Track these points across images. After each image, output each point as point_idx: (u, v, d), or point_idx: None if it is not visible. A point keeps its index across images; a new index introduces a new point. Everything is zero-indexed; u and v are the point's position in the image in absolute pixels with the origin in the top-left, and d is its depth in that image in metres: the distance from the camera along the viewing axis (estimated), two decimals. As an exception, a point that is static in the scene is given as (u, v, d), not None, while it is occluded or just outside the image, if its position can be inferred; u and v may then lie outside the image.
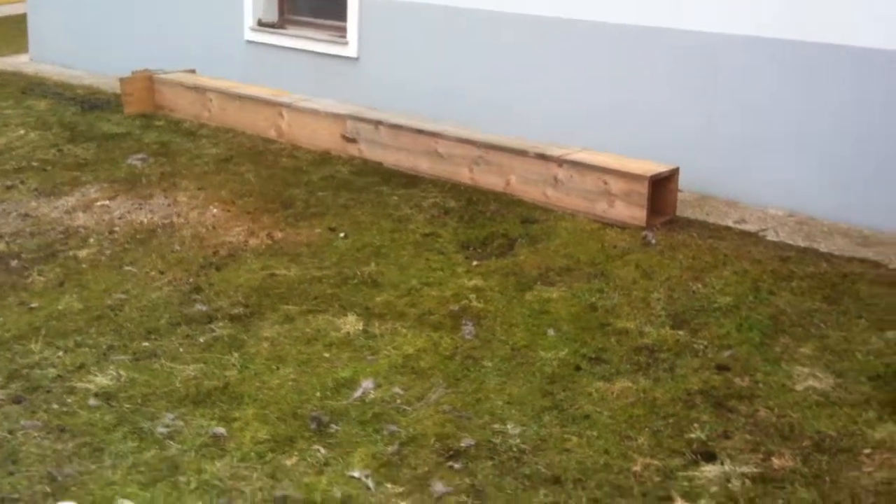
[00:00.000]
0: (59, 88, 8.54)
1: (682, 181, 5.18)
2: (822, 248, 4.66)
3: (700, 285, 4.26)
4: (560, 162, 5.25)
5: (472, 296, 4.20)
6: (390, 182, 5.80)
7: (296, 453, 3.06)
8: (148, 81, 7.50)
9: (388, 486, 2.91)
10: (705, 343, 3.75)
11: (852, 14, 4.96)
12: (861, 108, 4.99)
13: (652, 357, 3.66)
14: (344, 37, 7.45)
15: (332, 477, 2.94)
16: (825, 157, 5.13)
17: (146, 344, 3.79)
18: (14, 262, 4.63)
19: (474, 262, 4.60)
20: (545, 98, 6.26)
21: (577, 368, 3.58)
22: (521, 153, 5.43)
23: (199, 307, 4.13)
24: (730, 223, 5.08)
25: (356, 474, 2.95)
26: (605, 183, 5.05)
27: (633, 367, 3.58)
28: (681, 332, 3.84)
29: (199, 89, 7.22)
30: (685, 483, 2.91)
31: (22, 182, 5.81)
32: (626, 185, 4.97)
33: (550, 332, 3.86)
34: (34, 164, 6.20)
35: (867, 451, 3.03)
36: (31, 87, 8.59)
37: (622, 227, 4.96)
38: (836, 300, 4.08)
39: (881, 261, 4.47)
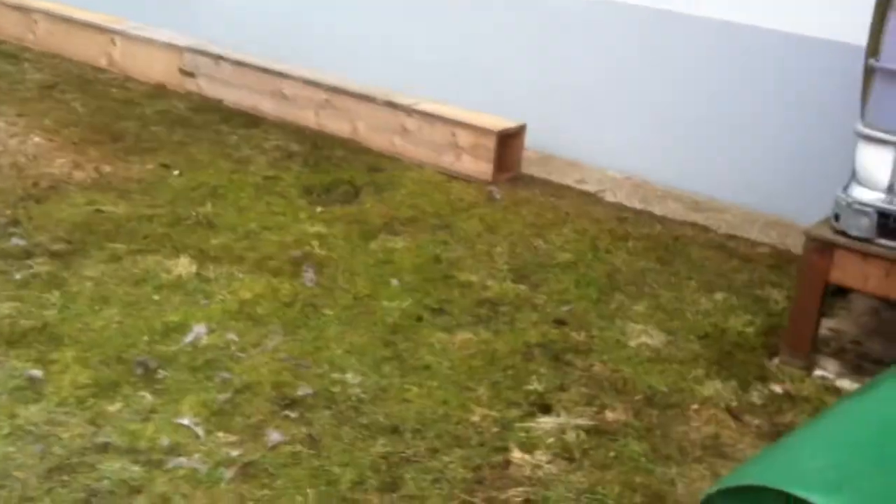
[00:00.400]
0: None
1: (530, 140, 5.21)
2: (657, 210, 4.80)
3: (542, 241, 4.31)
4: (409, 111, 5.17)
5: (315, 242, 4.08)
6: (231, 121, 5.54)
7: (119, 399, 2.87)
8: (-38, -5, 6.84)
9: (220, 434, 2.79)
10: (545, 298, 3.79)
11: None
12: (696, 75, 5.15)
13: (493, 310, 3.66)
14: (184, -36, 7.03)
15: (158, 424, 2.79)
16: (660, 122, 5.27)
17: (-47, 279, 3.47)
18: None
19: (318, 209, 4.46)
20: (393, 46, 6.12)
21: (419, 319, 3.53)
22: (370, 99, 5.30)
23: (15, 241, 3.81)
24: (571, 183, 5.15)
25: (185, 422, 2.81)
26: (454, 135, 5.01)
27: (474, 320, 3.57)
28: (522, 287, 3.86)
29: (23, 9, 6.64)
30: (522, 434, 2.93)
31: None
32: (475, 139, 4.95)
33: (394, 282, 3.80)
34: None
35: (695, 406, 3.15)
36: None
37: (468, 180, 4.94)
38: (669, 261, 4.22)
39: (710, 226, 4.65)
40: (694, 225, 4.64)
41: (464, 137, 4.98)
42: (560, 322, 3.61)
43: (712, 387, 3.25)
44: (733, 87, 5.01)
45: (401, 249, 4.11)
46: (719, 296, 3.90)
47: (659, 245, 4.38)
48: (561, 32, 5.54)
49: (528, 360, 3.33)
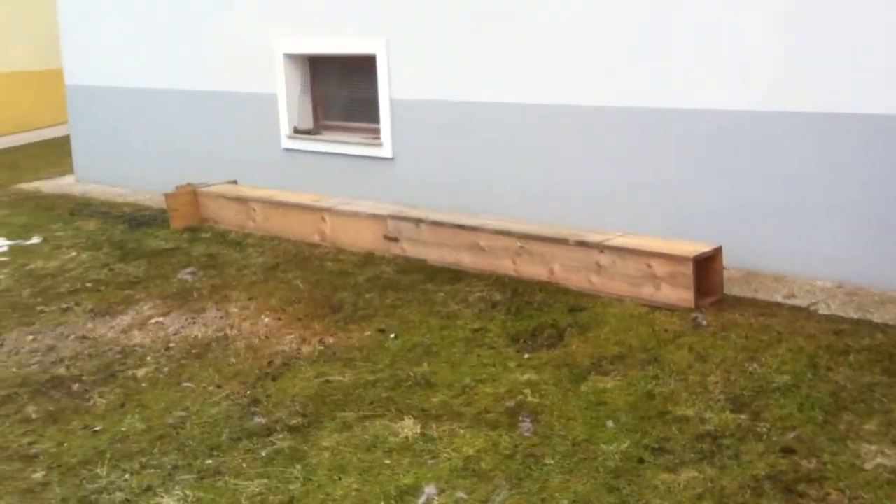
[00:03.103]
0: (106, 207, 8.81)
1: (727, 258, 5.19)
2: (876, 318, 4.62)
3: (756, 365, 4.24)
4: (601, 248, 5.30)
5: (527, 390, 4.21)
6: (435, 279, 5.87)
7: (367, 568, 3.05)
8: (192, 195, 7.72)
9: None
10: (768, 426, 3.71)
11: (864, 82, 5.02)
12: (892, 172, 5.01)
13: (715, 444, 3.62)
14: (378, 138, 7.64)
15: (404, 590, 2.93)
16: (867, 224, 5.13)
17: (209, 461, 3.84)
18: (75, 386, 4.73)
19: (526, 356, 4.61)
20: (580, 182, 6.35)
21: (641, 461, 3.55)
22: (562, 241, 5.49)
23: (258, 420, 4.18)
24: (779, 299, 5.06)
25: (429, 586, 2.94)
26: (649, 266, 5.07)
27: (697, 456, 3.54)
28: (742, 416, 3.81)
29: (241, 200, 7.41)
30: (763, 576, 2.85)
31: (77, 304, 5.96)
32: (671, 268, 4.99)
33: (609, 423, 3.85)
34: (88, 284, 6.36)
35: (947, 530, 2.97)
36: (79, 207, 8.87)
37: (671, 309, 4.96)
38: (896, 372, 4.03)
39: (937, 327, 4.42)
40: (918, 329, 4.43)
41: (660, 267, 5.03)
42: (788, 450, 3.51)
43: (965, 508, 3.05)
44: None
45: (612, 389, 4.16)
46: (957, 405, 3.68)
47: (883, 355, 4.19)
48: (742, 149, 5.57)
49: (758, 496, 3.25)
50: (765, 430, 3.68)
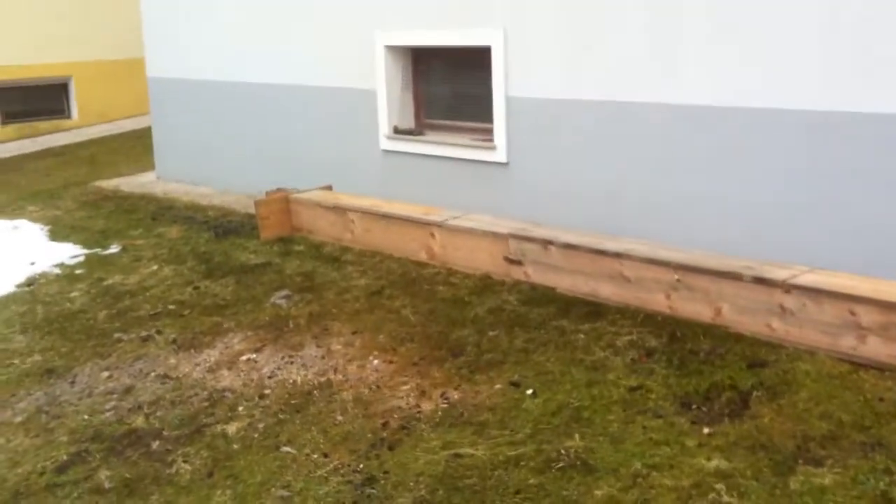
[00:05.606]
0: (190, 211, 8.11)
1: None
2: None
3: None
4: (786, 287, 4.32)
5: (720, 486, 3.28)
6: (570, 314, 4.96)
7: None
8: (284, 202, 6.94)
9: None
10: None
11: None
12: None
13: None
14: (490, 140, 6.75)
15: None
16: None
17: (322, 570, 3.03)
18: (155, 444, 4.00)
19: (705, 430, 3.68)
20: (726, 197, 5.37)
21: None
22: (733, 276, 4.52)
23: (377, 508, 3.36)
24: None
25: None
26: (853, 313, 4.08)
27: None
28: None
29: (339, 209, 6.60)
30: None
31: (159, 332, 5.23)
32: (883, 317, 3.99)
33: (845, 544, 2.92)
34: (170, 307, 5.63)
35: None
36: (161, 210, 8.19)
37: (880, 368, 3.97)
38: None
39: None
40: None
41: (867, 315, 4.04)
42: None
43: None
44: None
45: (832, 487, 3.21)
46: None
47: None
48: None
49: None
50: None
